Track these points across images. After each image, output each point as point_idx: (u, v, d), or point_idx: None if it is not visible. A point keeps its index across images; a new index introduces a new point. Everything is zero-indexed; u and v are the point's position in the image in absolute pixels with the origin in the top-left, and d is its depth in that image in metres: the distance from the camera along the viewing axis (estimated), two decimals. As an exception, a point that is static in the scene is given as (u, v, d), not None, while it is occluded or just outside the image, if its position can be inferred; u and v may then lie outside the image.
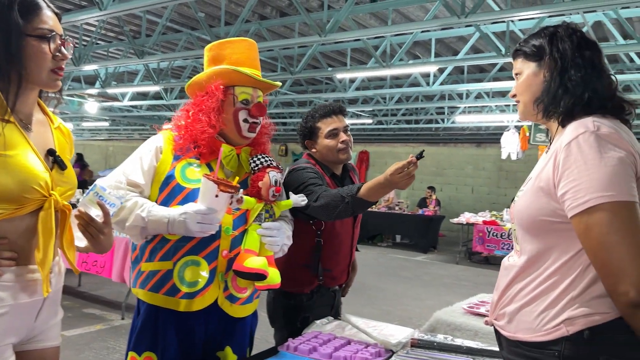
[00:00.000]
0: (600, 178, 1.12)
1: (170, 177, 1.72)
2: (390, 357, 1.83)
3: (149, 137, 1.85)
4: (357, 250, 2.30)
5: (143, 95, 12.07)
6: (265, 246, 1.73)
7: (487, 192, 15.26)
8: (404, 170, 1.72)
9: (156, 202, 1.70)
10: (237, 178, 1.77)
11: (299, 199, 1.85)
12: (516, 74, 1.42)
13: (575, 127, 1.21)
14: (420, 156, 1.76)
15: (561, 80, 1.28)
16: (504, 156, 10.63)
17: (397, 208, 11.87)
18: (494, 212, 10.65)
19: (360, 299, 5.92)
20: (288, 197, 1.86)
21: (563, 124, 1.28)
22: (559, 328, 1.18)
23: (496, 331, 1.41)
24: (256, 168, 1.80)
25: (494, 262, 10.14)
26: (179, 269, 1.66)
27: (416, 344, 1.95)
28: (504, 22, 6.00)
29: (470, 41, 6.65)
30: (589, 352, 1.14)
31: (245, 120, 1.78)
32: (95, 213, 1.35)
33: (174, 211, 1.61)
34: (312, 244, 2.09)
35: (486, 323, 1.46)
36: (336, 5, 5.94)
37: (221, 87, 1.75)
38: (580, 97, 1.25)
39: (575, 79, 1.26)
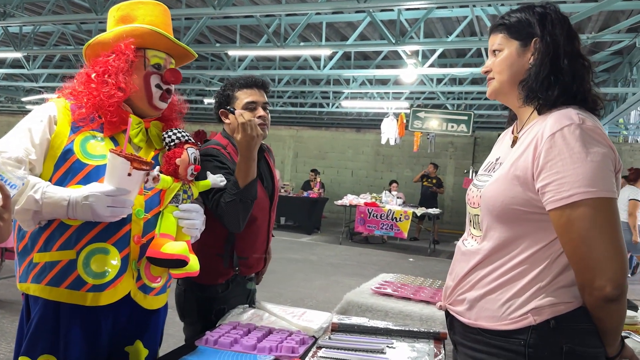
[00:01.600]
0: (585, 173, 1.11)
1: (68, 152, 1.47)
2: (314, 343, 1.77)
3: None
4: (272, 236, 2.18)
5: (-2, 63, 10.67)
6: (183, 230, 1.57)
7: (365, 175, 15.91)
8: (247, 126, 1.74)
9: (50, 180, 1.45)
10: (151, 153, 1.57)
11: (217, 179, 1.72)
12: (494, 50, 1.33)
13: (558, 118, 1.18)
14: (232, 110, 1.85)
15: (552, 67, 1.23)
16: (383, 141, 11.13)
17: (282, 191, 11.88)
18: (374, 194, 11.10)
19: (250, 282, 5.76)
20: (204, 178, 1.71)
21: (541, 111, 1.25)
22: (526, 317, 1.17)
23: (448, 315, 1.39)
24: (172, 144, 1.61)
25: (373, 242, 10.65)
26: (83, 259, 1.43)
27: (337, 328, 1.92)
28: (393, 10, 6.20)
29: (359, 27, 6.77)
30: (553, 340, 1.15)
31: (158, 86, 1.59)
32: None
33: (75, 192, 1.38)
34: (226, 231, 1.93)
35: (440, 308, 1.43)
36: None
37: (132, 46, 1.54)
38: (569, 87, 1.23)
39: (565, 67, 1.23)
